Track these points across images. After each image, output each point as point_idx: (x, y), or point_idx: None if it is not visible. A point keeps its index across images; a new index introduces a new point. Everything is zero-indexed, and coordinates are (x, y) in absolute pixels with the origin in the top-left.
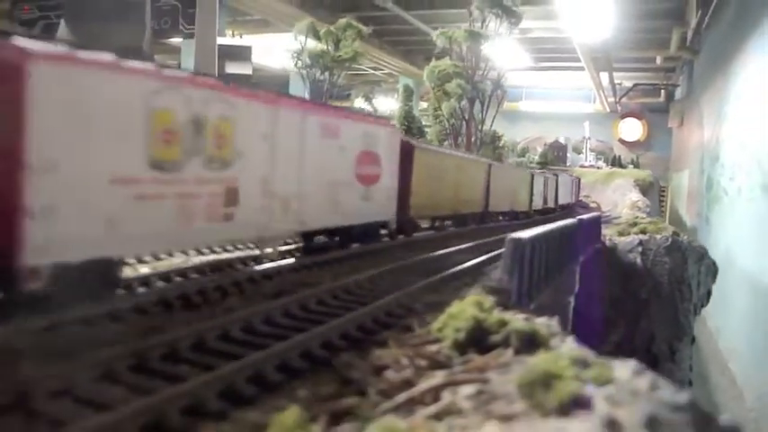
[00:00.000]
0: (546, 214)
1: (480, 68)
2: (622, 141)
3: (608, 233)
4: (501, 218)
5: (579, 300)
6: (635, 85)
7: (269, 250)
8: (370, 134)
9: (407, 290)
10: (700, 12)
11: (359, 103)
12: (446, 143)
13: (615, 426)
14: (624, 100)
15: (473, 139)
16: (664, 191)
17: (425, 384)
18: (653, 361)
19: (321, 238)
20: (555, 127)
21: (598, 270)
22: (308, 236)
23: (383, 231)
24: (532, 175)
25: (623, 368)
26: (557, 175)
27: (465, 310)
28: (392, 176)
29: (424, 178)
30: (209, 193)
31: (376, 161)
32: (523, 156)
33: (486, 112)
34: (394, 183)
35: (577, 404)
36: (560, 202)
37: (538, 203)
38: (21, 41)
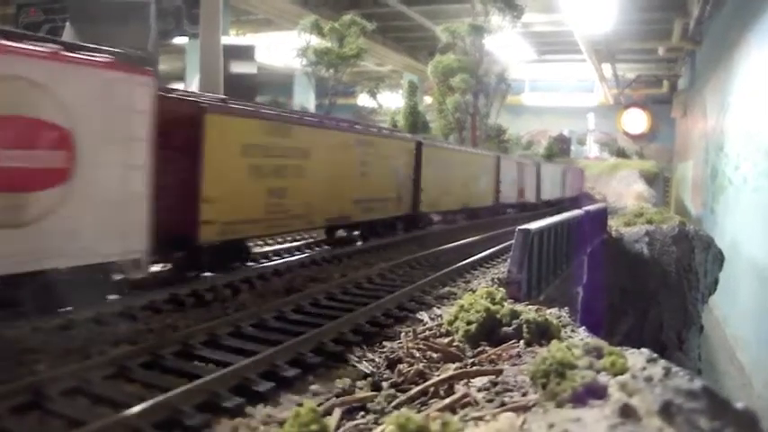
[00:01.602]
0: (524, 211)
1: (484, 62)
2: (626, 133)
3: (614, 224)
4: (459, 216)
5: (587, 290)
6: (638, 76)
7: None
8: (17, 78)
9: None
10: (701, 2)
11: (364, 99)
12: (451, 137)
13: (630, 413)
14: (627, 91)
15: (478, 133)
16: (668, 181)
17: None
18: (661, 350)
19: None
20: (558, 120)
21: (605, 261)
22: None
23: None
24: (498, 160)
25: (637, 356)
26: (538, 164)
27: (476, 302)
28: (131, 171)
29: (238, 168)
30: None
31: (47, 140)
32: (529, 149)
33: (491, 105)
34: (137, 184)
35: (592, 393)
36: (545, 196)
37: (509, 197)
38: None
